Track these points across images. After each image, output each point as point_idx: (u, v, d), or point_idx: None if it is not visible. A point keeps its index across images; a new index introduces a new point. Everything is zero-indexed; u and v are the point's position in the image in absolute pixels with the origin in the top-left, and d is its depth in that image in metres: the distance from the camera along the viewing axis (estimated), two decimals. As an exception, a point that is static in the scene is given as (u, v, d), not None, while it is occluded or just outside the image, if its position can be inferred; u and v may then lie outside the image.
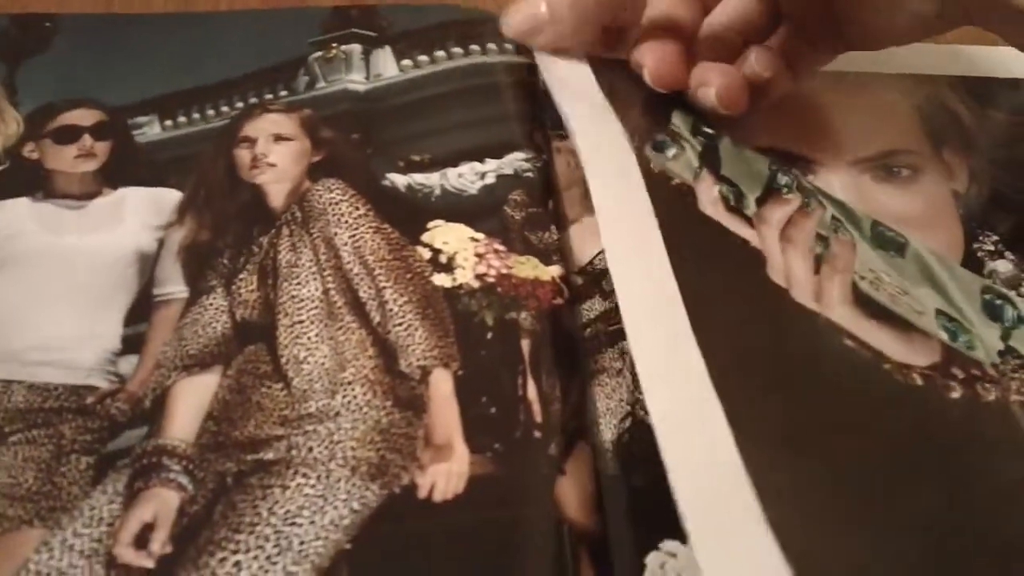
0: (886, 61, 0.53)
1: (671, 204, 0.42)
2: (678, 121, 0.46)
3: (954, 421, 0.36)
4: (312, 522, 0.31)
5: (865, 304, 0.40)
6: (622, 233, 0.40)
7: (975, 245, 0.44)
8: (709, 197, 0.43)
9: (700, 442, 0.33)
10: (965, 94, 0.51)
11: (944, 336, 0.39)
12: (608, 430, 0.35)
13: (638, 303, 0.38)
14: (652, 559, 0.31)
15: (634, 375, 0.36)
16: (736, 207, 0.42)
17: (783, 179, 0.44)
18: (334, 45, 0.49)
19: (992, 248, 0.44)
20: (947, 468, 0.35)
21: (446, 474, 0.33)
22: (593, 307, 0.40)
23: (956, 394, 0.37)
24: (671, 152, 0.44)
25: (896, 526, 0.33)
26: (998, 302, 0.41)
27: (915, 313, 0.40)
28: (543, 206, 0.43)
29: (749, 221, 0.42)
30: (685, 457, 0.32)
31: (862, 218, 0.44)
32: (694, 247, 0.40)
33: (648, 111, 0.47)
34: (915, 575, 0.32)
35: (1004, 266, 0.44)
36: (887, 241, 0.43)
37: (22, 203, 0.42)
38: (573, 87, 0.47)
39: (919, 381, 0.37)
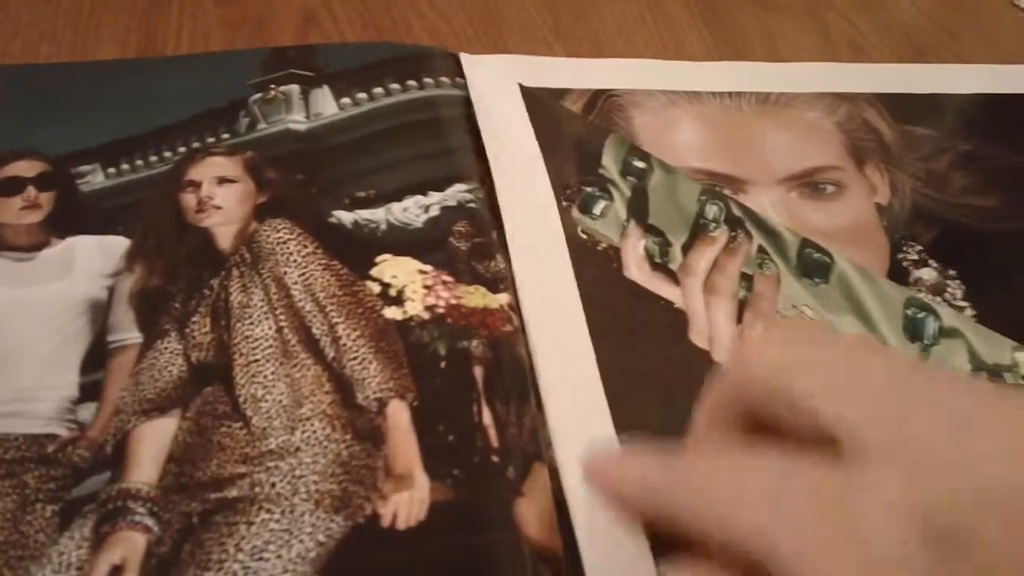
0: (807, 80, 0.55)
1: (596, 277, 0.42)
2: (608, 161, 0.47)
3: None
4: (279, 556, 0.32)
5: None
6: (544, 313, 0.41)
7: (900, 255, 0.46)
8: (635, 258, 0.44)
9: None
10: (885, 111, 0.53)
11: None
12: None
13: (558, 384, 0.38)
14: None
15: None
16: (661, 263, 0.44)
17: (711, 210, 0.46)
18: (272, 86, 0.50)
19: (916, 257, 0.46)
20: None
21: (408, 502, 0.34)
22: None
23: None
24: (599, 208, 0.45)
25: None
26: (920, 315, 0.43)
27: None
28: (487, 236, 0.44)
29: (674, 277, 0.43)
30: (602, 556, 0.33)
31: (790, 242, 0.45)
32: (618, 321, 0.41)
33: (579, 152, 0.48)
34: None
35: (928, 274, 0.46)
36: (813, 266, 0.45)
37: (-31, 257, 0.42)
38: (506, 131, 0.48)
39: None
